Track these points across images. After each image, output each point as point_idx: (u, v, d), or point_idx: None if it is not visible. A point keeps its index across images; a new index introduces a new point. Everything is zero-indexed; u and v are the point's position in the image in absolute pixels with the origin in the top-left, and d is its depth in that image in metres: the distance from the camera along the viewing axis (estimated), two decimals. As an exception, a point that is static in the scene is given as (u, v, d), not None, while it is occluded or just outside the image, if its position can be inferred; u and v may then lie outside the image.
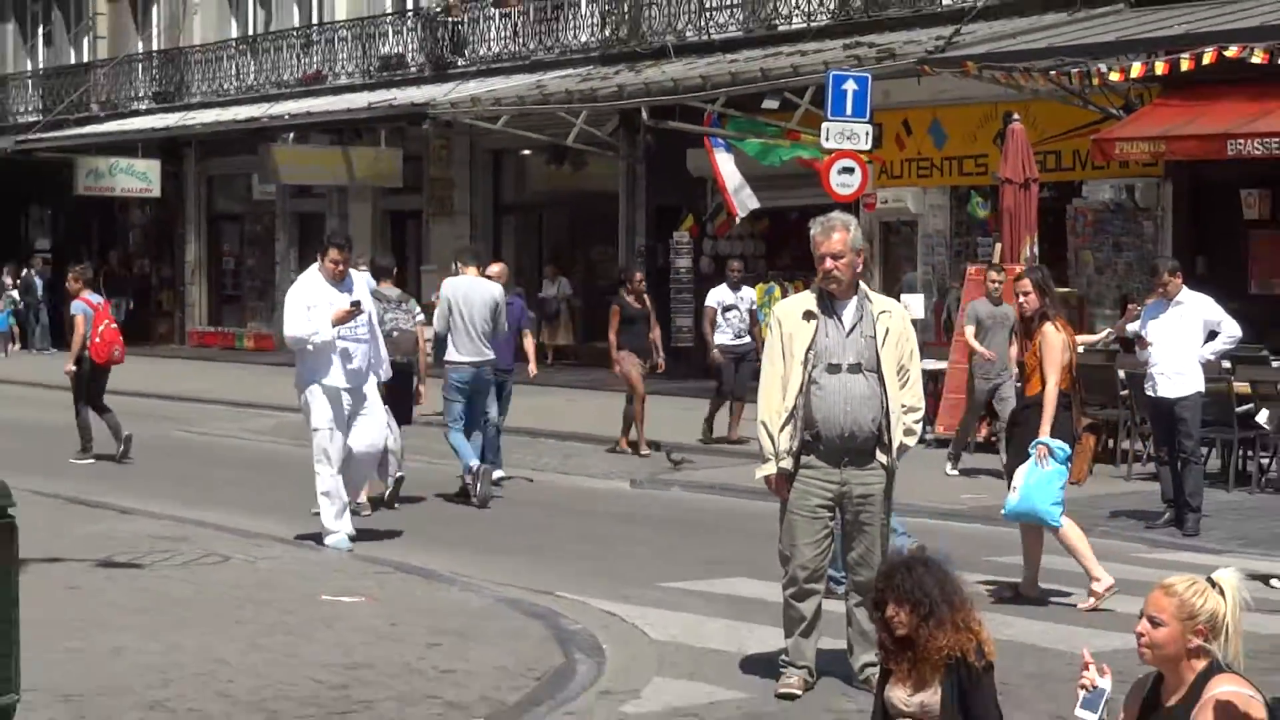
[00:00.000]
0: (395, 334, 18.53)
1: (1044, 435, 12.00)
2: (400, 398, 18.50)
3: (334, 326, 14.36)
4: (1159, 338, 16.45)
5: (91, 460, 22.31)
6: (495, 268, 19.80)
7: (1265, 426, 18.15)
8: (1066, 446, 12.18)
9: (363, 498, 15.75)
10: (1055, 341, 12.43)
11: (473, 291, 18.10)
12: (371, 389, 15.05)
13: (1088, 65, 23.39)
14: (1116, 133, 23.36)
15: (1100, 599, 12.19)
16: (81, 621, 11.06)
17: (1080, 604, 12.14)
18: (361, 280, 15.53)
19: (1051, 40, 24.39)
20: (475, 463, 17.48)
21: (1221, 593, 6.19)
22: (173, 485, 18.99)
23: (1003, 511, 12.24)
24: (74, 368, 22.44)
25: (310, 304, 14.58)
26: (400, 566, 13.80)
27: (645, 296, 21.85)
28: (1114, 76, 22.96)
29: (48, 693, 8.90)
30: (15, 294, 41.32)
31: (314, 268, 15.14)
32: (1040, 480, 11.81)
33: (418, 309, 19.96)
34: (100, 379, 22.84)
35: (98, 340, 22.51)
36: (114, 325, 23.66)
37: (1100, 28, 24.29)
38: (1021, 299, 13.00)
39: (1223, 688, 5.96)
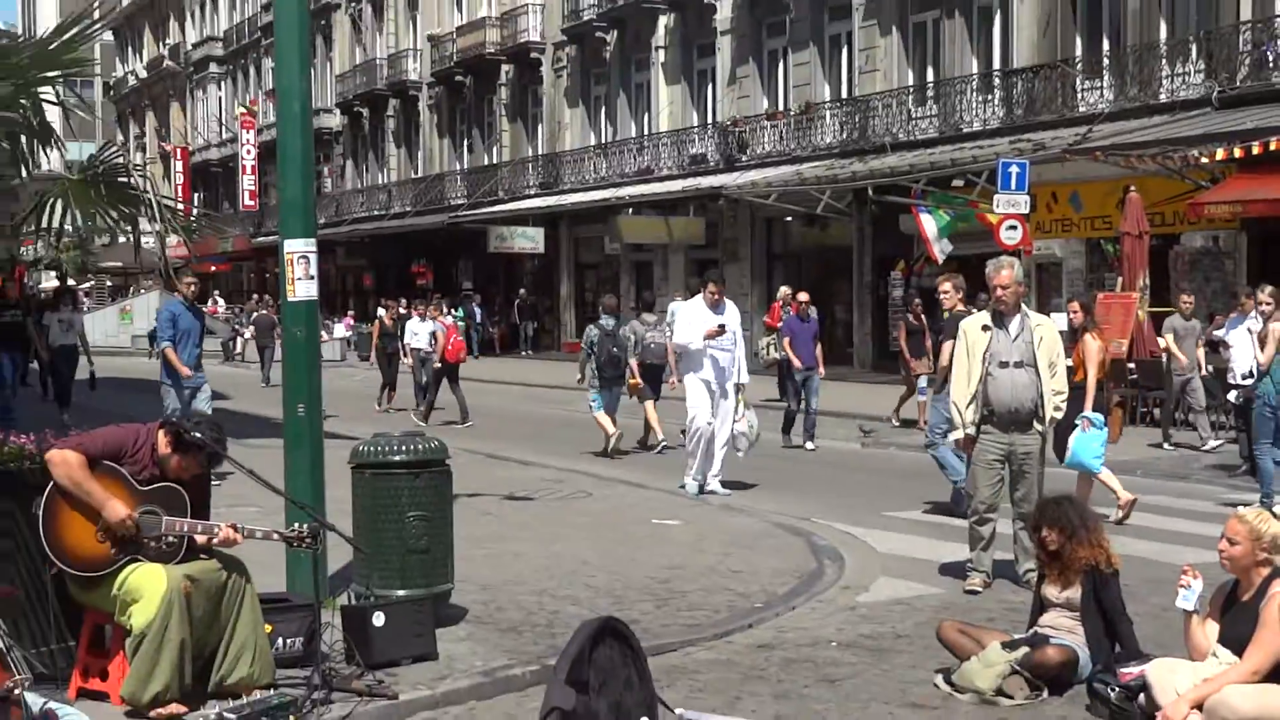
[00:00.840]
0: (652, 345, 19.16)
1: (1087, 411, 11.94)
2: (653, 383, 19.30)
3: (704, 340, 14.22)
4: (1236, 342, 16.63)
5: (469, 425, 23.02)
6: (803, 295, 19.86)
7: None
8: (1102, 417, 12.20)
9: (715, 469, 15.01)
10: (1092, 346, 12.56)
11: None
12: (731, 386, 14.54)
13: (1185, 151, 23.05)
14: (1205, 199, 22.85)
15: (1127, 509, 12.43)
16: (492, 536, 11.44)
17: (1112, 517, 11.94)
18: (733, 308, 15.05)
19: (1158, 135, 23.81)
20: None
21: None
22: (550, 444, 19.19)
23: (1063, 463, 12.08)
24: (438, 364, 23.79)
25: (692, 321, 14.49)
26: (705, 502, 13.95)
27: (922, 316, 21.37)
28: (1204, 160, 22.58)
29: (471, 583, 9.26)
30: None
31: (698, 296, 14.88)
32: (1083, 441, 11.77)
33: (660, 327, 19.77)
34: (452, 371, 23.72)
35: (448, 347, 23.57)
36: (459, 337, 24.99)
37: (1193, 125, 23.65)
38: (1071, 315, 13.37)
39: None
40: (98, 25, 8.47)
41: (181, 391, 14.70)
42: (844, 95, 33.52)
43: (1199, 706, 6.28)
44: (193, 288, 15.70)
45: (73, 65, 7.80)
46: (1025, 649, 7.31)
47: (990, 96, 29.43)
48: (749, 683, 7.66)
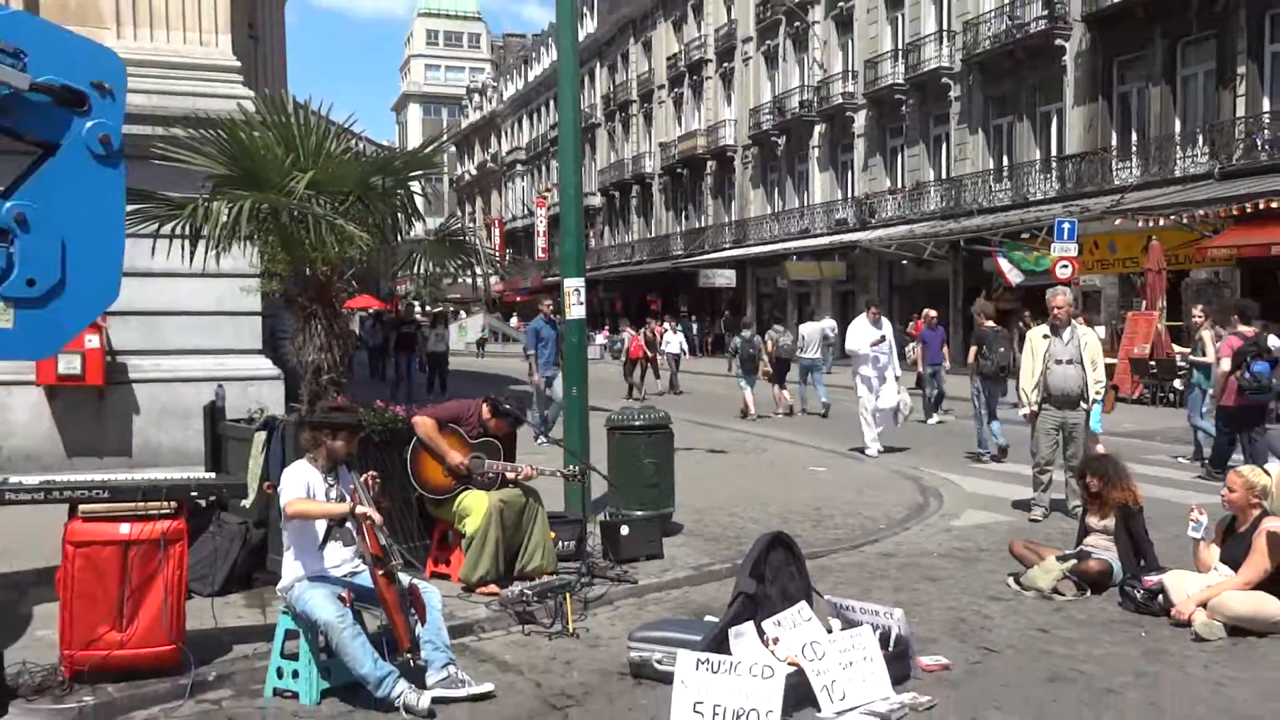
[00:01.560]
0: (783, 345, 20.01)
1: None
2: (780, 371, 19.90)
3: (869, 346, 13.91)
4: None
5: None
6: (931, 312, 19.22)
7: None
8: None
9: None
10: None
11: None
12: (890, 376, 13.93)
13: (1193, 211, 22.28)
14: (1209, 244, 21.97)
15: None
16: (700, 477, 11.46)
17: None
18: (887, 323, 14.60)
19: (1173, 199, 22.91)
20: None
21: (1268, 474, 6.67)
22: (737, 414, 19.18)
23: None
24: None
25: (860, 332, 14.08)
26: (847, 455, 13.74)
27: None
28: (1207, 216, 21.89)
29: (686, 507, 9.34)
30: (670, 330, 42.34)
31: (863, 315, 14.31)
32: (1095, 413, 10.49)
33: (787, 334, 20.67)
34: (644, 364, 24.96)
35: (631, 349, 25.26)
36: (641, 341, 25.60)
37: (1199, 192, 22.67)
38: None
39: (1270, 522, 6.30)
40: (445, 140, 8.74)
41: (548, 380, 14.50)
42: (943, 176, 32.80)
43: (1204, 605, 6.24)
44: (549, 307, 15.02)
45: (430, 167, 8.05)
46: (1074, 560, 7.16)
47: (1049, 175, 28.62)
48: (875, 579, 7.59)
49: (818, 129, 38.73)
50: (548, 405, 14.53)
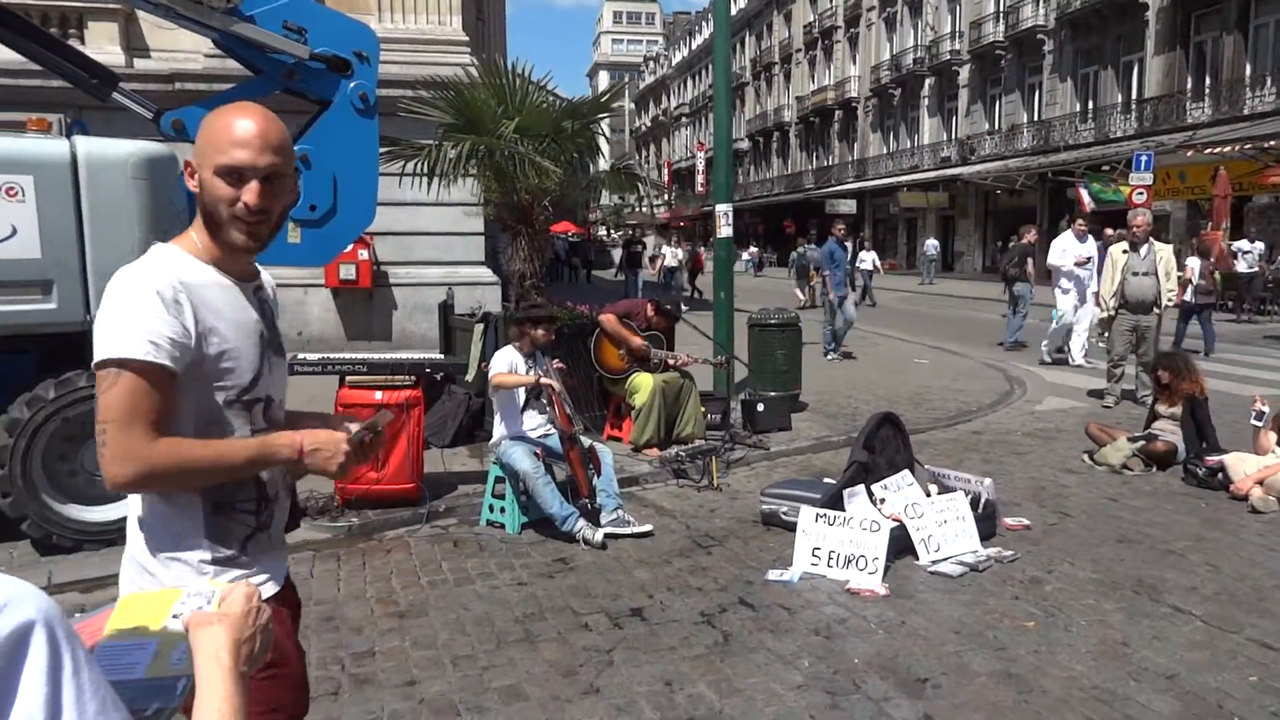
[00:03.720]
0: (812, 259, 19.72)
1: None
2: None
3: (1073, 264, 11.42)
4: None
5: None
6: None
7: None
8: None
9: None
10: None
11: None
12: (1090, 295, 11.00)
13: (1259, 143, 19.75)
14: (1270, 173, 19.47)
15: None
16: (822, 365, 10.98)
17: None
18: (1092, 241, 11.75)
19: (1240, 133, 20.37)
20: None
21: None
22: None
23: None
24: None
25: (1065, 248, 11.53)
26: (944, 350, 12.96)
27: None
28: (1272, 147, 19.25)
29: (811, 391, 9.04)
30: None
31: (1068, 230, 11.84)
32: None
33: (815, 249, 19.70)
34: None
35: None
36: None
37: (1264, 127, 20.12)
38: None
39: None
40: (616, 89, 8.40)
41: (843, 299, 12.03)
42: (1035, 119, 30.15)
43: (1260, 483, 5.52)
44: (841, 230, 12.40)
45: (608, 110, 7.76)
46: (1143, 441, 6.49)
47: (1129, 115, 25.85)
48: (967, 452, 7.10)
49: (928, 81, 36.26)
50: (834, 320, 12.05)
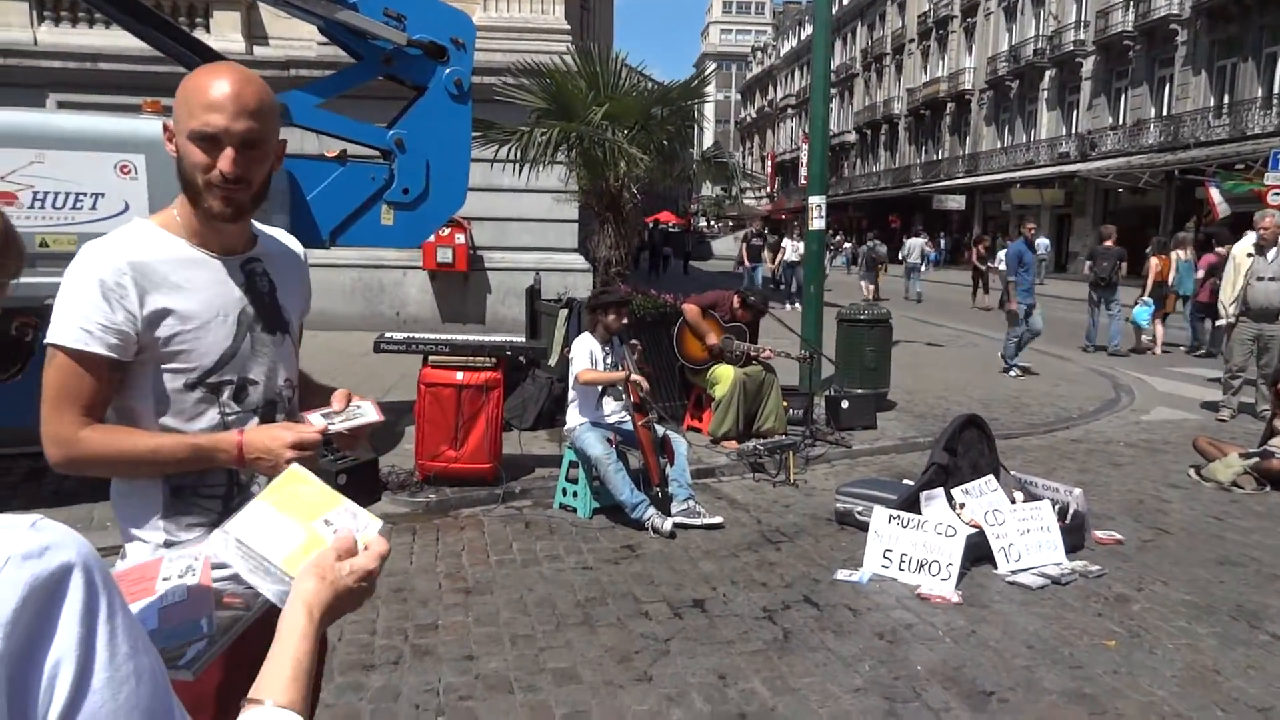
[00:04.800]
0: (879, 252, 20.67)
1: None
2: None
3: None
4: None
5: None
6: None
7: None
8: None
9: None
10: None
11: None
12: None
13: None
14: None
15: None
16: (916, 365, 10.71)
17: None
18: None
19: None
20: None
21: None
22: (955, 314, 17.62)
23: None
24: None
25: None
26: (1047, 354, 12.42)
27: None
28: None
29: (901, 389, 8.78)
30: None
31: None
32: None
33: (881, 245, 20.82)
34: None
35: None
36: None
37: None
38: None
39: None
40: (709, 75, 8.30)
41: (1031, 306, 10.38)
42: (1163, 114, 28.43)
43: None
44: (1031, 230, 10.95)
45: (698, 96, 7.69)
46: (1257, 458, 6.04)
47: (1270, 110, 24.12)
48: (1062, 460, 6.77)
49: (1048, 73, 34.67)
50: (1015, 326, 10.41)
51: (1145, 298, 13.00)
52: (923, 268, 23.04)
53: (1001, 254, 19.41)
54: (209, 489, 1.53)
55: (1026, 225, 11.11)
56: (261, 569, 1.03)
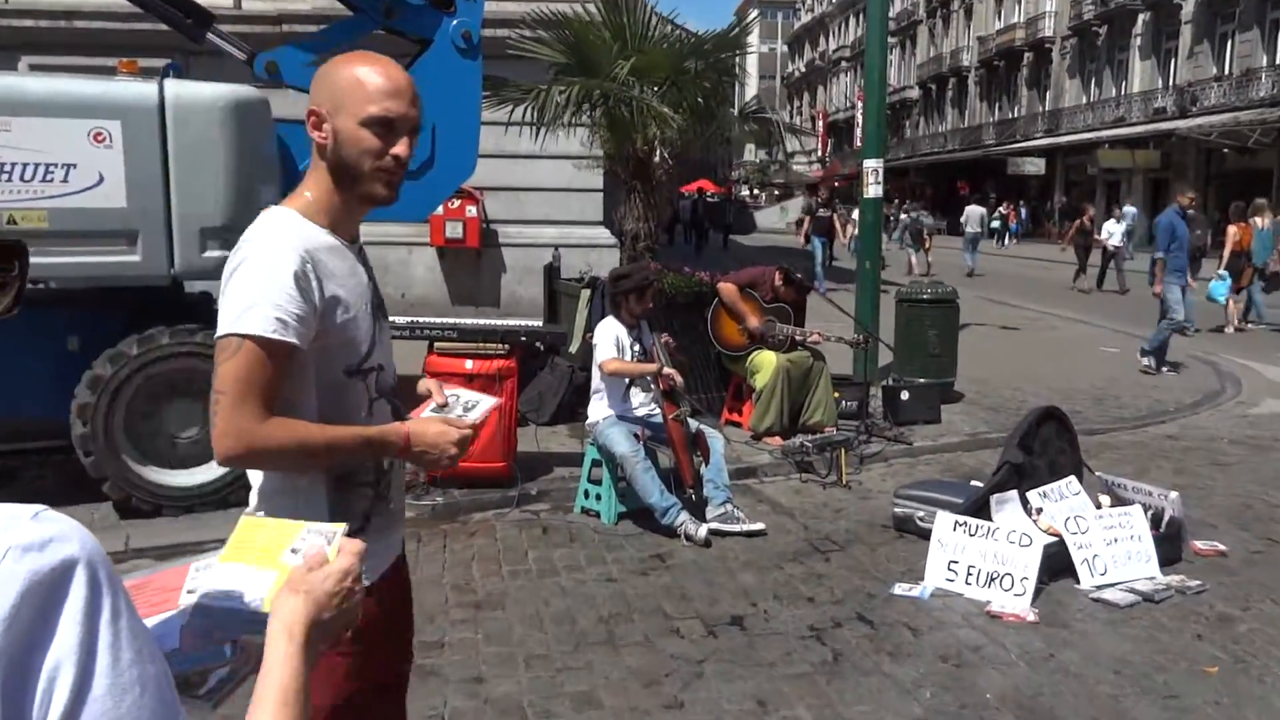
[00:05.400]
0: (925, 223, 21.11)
1: None
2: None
3: None
4: None
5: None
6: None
7: None
8: None
9: None
10: None
11: None
12: None
13: None
14: None
15: None
16: (988, 350, 10.56)
17: None
18: None
19: None
20: None
21: None
22: (1036, 294, 17.32)
23: None
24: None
25: None
26: (1141, 337, 12.18)
27: None
28: None
29: (969, 378, 8.61)
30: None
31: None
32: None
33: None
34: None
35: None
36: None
37: None
38: None
39: None
40: (747, 23, 8.22)
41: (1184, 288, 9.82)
42: (1277, 62, 27.71)
43: None
44: (1189, 200, 10.29)
45: (735, 47, 7.62)
46: (1383, 459, 5.85)
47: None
48: (1155, 459, 6.65)
49: (1141, 17, 34.01)
50: (1172, 315, 9.68)
51: (1221, 270, 12.77)
52: (982, 240, 23.29)
53: (1108, 225, 18.95)
54: (363, 476, 1.67)
55: (1182, 194, 10.23)
56: (252, 625, 1.03)
